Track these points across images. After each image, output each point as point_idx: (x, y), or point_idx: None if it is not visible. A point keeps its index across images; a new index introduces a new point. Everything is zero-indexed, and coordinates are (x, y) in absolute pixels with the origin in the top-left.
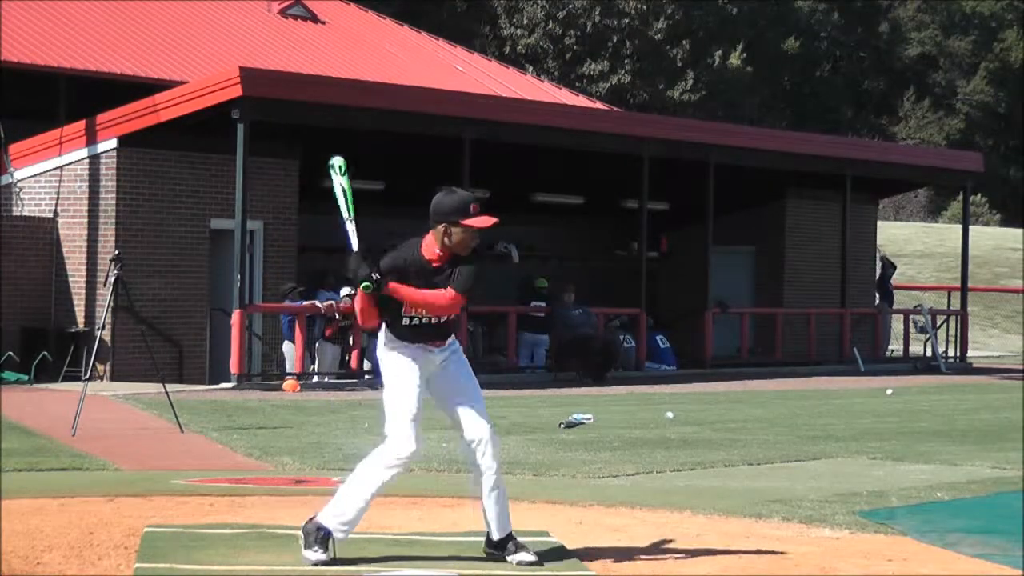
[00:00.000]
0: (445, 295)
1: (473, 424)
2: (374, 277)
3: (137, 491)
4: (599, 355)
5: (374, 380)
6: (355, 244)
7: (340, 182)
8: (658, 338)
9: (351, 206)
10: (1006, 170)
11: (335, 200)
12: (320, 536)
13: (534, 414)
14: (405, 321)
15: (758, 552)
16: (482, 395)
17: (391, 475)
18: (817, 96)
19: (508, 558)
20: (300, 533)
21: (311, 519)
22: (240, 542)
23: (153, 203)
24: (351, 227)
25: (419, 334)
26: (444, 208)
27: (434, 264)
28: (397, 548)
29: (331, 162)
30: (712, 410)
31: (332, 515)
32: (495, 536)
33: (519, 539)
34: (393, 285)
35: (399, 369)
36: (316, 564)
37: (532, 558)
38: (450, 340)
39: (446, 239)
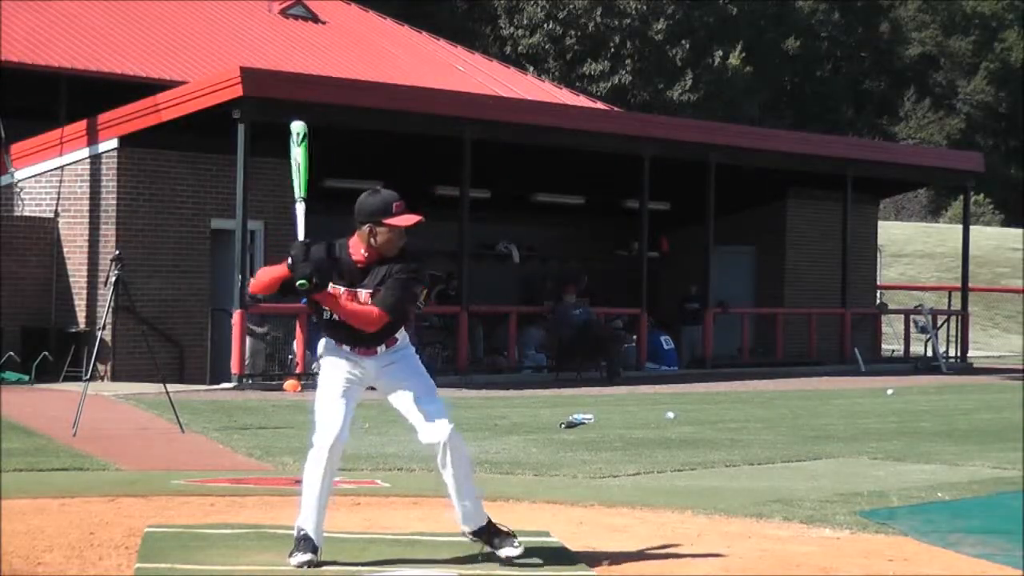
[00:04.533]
0: (370, 313)
1: (426, 428)
2: (313, 281)
3: (137, 491)
4: (599, 341)
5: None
6: (301, 232)
7: (296, 154)
8: (662, 339)
9: (304, 184)
10: (1007, 170)
11: (291, 179)
12: (300, 540)
13: (535, 414)
14: (325, 315)
15: (759, 552)
16: (435, 393)
17: (321, 466)
18: (817, 96)
19: (499, 552)
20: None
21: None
22: (240, 542)
23: (154, 203)
24: (300, 210)
25: (339, 332)
26: (367, 208)
27: (359, 264)
28: (397, 548)
29: (292, 127)
30: (713, 410)
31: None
32: (470, 529)
33: (500, 528)
34: (332, 291)
35: (324, 378)
36: (300, 565)
37: (518, 551)
38: (384, 349)
39: (372, 240)
